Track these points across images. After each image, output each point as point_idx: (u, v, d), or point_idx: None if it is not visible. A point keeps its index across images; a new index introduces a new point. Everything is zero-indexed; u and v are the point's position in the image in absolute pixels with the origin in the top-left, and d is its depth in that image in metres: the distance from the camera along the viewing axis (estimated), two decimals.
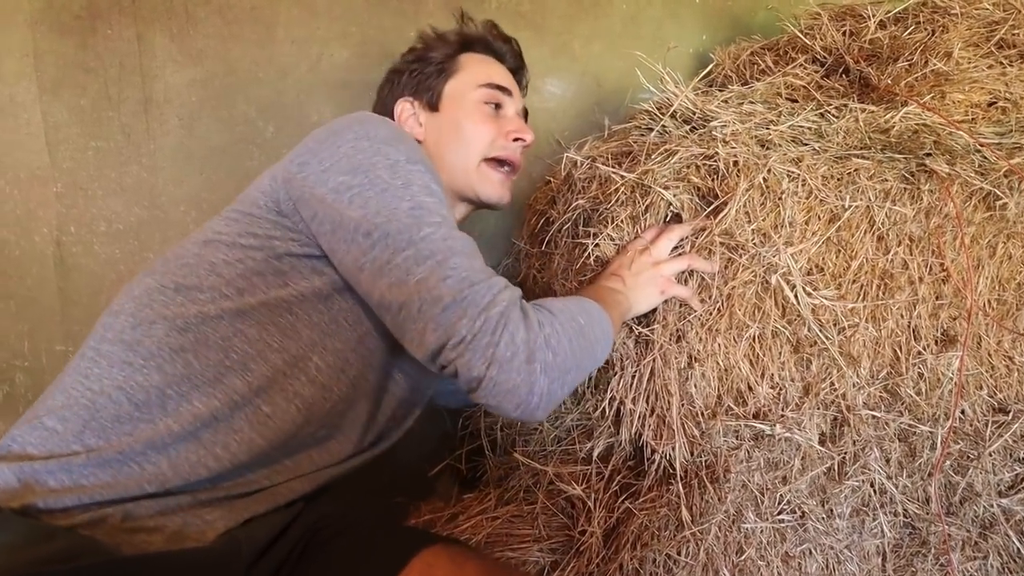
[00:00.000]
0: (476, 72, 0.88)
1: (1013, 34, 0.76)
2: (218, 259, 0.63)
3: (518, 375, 0.53)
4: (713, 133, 0.74)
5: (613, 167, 0.86)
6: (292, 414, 0.61)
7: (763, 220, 0.70)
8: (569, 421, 0.84)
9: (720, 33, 1.30)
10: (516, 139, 0.87)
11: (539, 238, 1.02)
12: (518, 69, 0.97)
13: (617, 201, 0.78)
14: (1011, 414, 0.87)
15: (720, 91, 1.10)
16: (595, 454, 0.79)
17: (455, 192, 0.86)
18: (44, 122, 1.13)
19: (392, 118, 0.86)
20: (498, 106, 0.89)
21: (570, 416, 0.84)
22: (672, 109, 0.86)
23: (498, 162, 0.86)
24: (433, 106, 0.87)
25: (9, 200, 1.14)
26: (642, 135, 0.89)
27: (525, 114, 0.96)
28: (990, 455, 0.86)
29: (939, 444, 0.82)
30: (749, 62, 1.08)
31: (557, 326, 0.57)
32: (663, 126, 0.86)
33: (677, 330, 0.71)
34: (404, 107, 0.87)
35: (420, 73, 0.88)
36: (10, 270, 1.15)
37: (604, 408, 0.73)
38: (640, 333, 0.73)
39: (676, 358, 0.69)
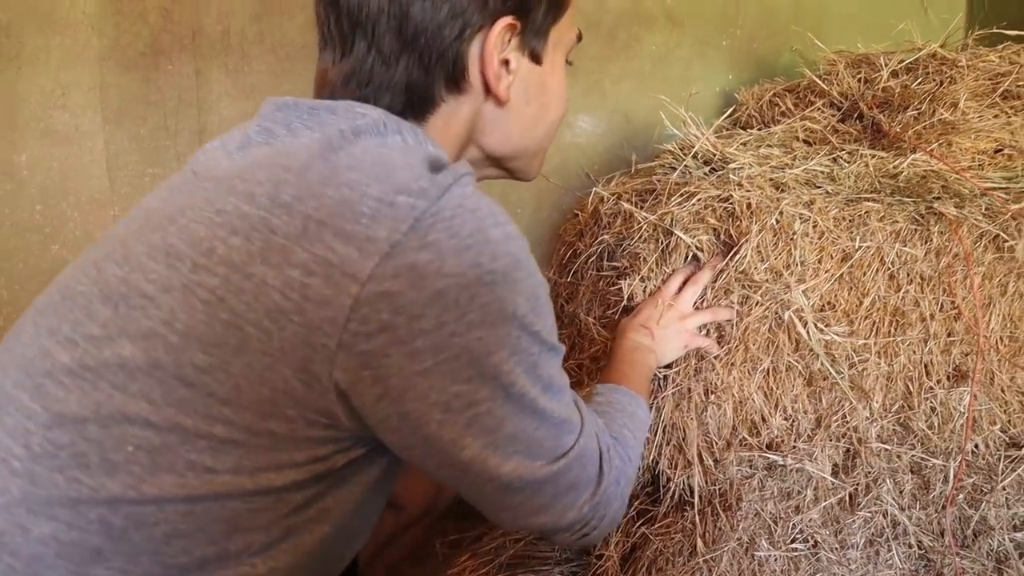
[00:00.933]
0: (573, 13, 0.61)
1: (1018, 86, 0.80)
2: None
3: (612, 525, 0.55)
4: (730, 176, 0.79)
5: (637, 204, 0.92)
6: None
7: (776, 259, 0.74)
8: None
9: (745, 73, 1.35)
10: None
11: (567, 268, 1.07)
12: None
13: (640, 238, 0.84)
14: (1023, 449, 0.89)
15: (743, 130, 1.15)
16: None
17: (498, 160, 0.62)
18: (106, 150, 1.22)
19: (457, 37, 0.51)
20: None
21: None
22: (694, 151, 0.91)
23: None
24: (537, 56, 0.57)
25: (70, 222, 1.23)
26: (666, 174, 0.94)
27: None
28: (1003, 489, 0.88)
29: (951, 478, 0.85)
30: (771, 103, 1.13)
31: (628, 466, 0.57)
32: (685, 166, 0.92)
33: (695, 364, 0.75)
34: (501, 37, 0.53)
35: None
36: None
37: None
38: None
39: (693, 390, 0.74)
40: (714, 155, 0.89)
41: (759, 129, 1.03)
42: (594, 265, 0.95)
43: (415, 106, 0.52)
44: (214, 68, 1.22)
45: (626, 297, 0.83)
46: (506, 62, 0.54)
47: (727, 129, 1.20)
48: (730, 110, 1.13)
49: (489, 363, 0.43)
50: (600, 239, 0.93)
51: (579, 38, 0.62)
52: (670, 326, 0.75)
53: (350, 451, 0.46)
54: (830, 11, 1.38)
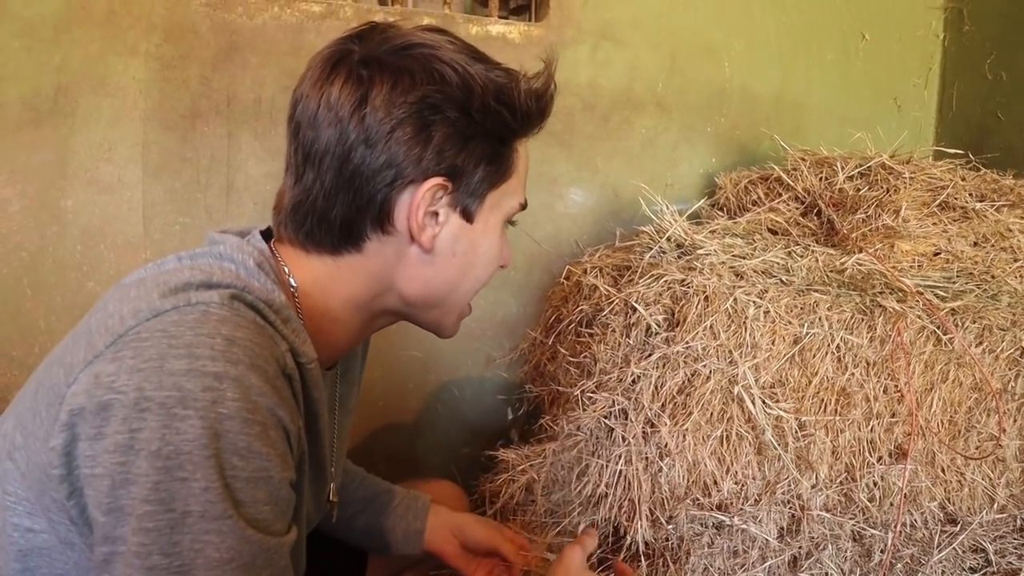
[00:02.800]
0: (521, 180, 0.64)
1: (954, 199, 0.91)
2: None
3: None
4: (693, 263, 0.90)
5: (615, 279, 1.02)
6: None
7: (728, 339, 0.84)
8: (558, 496, 0.97)
9: (728, 157, 1.47)
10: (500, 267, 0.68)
11: (552, 330, 1.17)
12: None
13: (611, 311, 0.94)
14: (959, 525, 0.96)
15: (721, 211, 1.26)
16: (580, 528, 0.92)
17: (415, 306, 0.64)
18: (143, 200, 1.35)
19: (387, 184, 0.56)
20: None
21: (561, 492, 0.97)
22: (667, 235, 1.02)
23: None
24: (468, 215, 0.60)
25: (105, 261, 1.35)
26: (642, 252, 1.05)
27: None
28: (939, 562, 0.95)
29: (888, 548, 0.92)
30: (745, 189, 1.25)
31: None
32: (660, 248, 1.02)
33: (643, 429, 0.84)
34: (432, 192, 0.57)
35: (484, 151, 0.58)
36: None
37: (583, 490, 0.86)
38: (613, 429, 0.87)
39: (645, 451, 0.82)
40: (685, 240, 1.00)
41: (732, 215, 1.14)
42: (573, 330, 1.05)
43: (346, 241, 0.58)
44: (244, 131, 1.35)
45: (595, 360, 0.93)
46: (435, 214, 0.58)
47: (707, 209, 1.32)
48: (709, 194, 1.25)
49: (122, 495, 0.42)
50: (580, 307, 1.03)
51: (523, 206, 0.65)
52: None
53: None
54: (809, 104, 1.50)
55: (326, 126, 0.55)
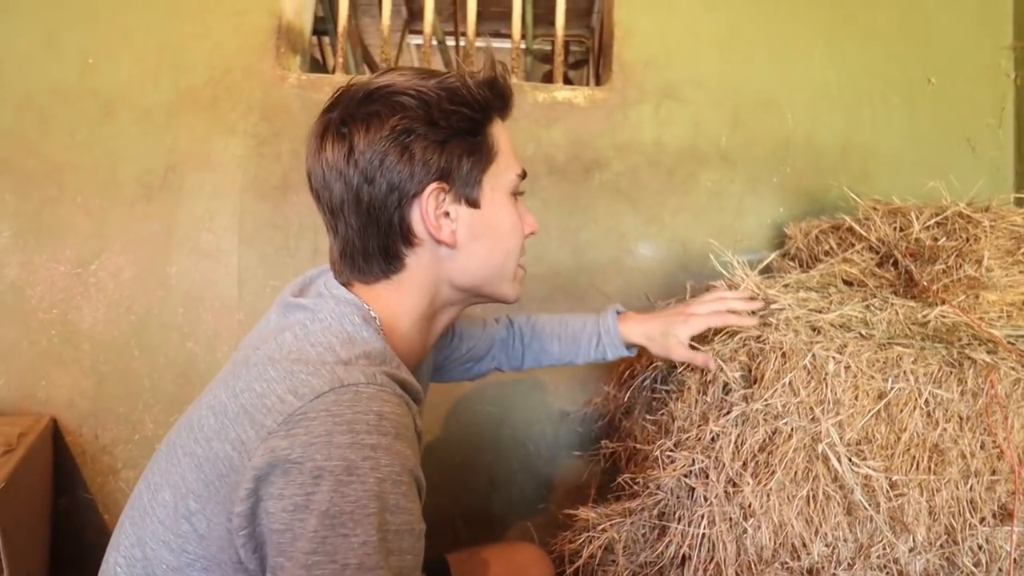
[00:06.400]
0: (510, 156, 0.72)
1: None
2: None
3: None
4: (767, 320, 0.90)
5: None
6: None
7: (808, 396, 0.83)
8: (643, 558, 0.96)
9: (796, 206, 1.47)
10: (531, 234, 0.77)
11: (626, 385, 1.18)
12: None
13: (687, 368, 0.94)
14: None
15: (792, 261, 1.26)
16: None
17: (471, 290, 0.73)
18: (238, 265, 1.46)
19: (397, 206, 0.65)
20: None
21: (643, 554, 0.96)
22: (740, 290, 1.02)
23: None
24: (474, 202, 0.68)
25: (203, 323, 1.45)
26: None
27: None
28: None
29: None
30: (816, 239, 1.24)
31: None
32: None
33: (726, 488, 0.84)
34: (434, 198, 0.65)
35: (461, 146, 0.66)
36: (195, 380, 1.44)
37: (666, 551, 0.85)
38: (694, 489, 0.87)
39: (728, 512, 0.82)
40: (758, 295, 1.00)
41: (804, 266, 1.14)
42: (648, 387, 1.06)
43: (390, 263, 0.68)
44: None
45: (672, 418, 0.93)
46: (447, 214, 0.67)
47: (779, 260, 1.31)
48: (779, 244, 1.24)
49: (295, 547, 0.51)
50: (655, 363, 1.04)
51: (523, 175, 0.74)
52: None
53: None
54: (877, 150, 1.49)
55: (334, 183, 0.65)
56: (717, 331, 0.95)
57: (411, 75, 0.67)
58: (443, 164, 0.65)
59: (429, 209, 0.65)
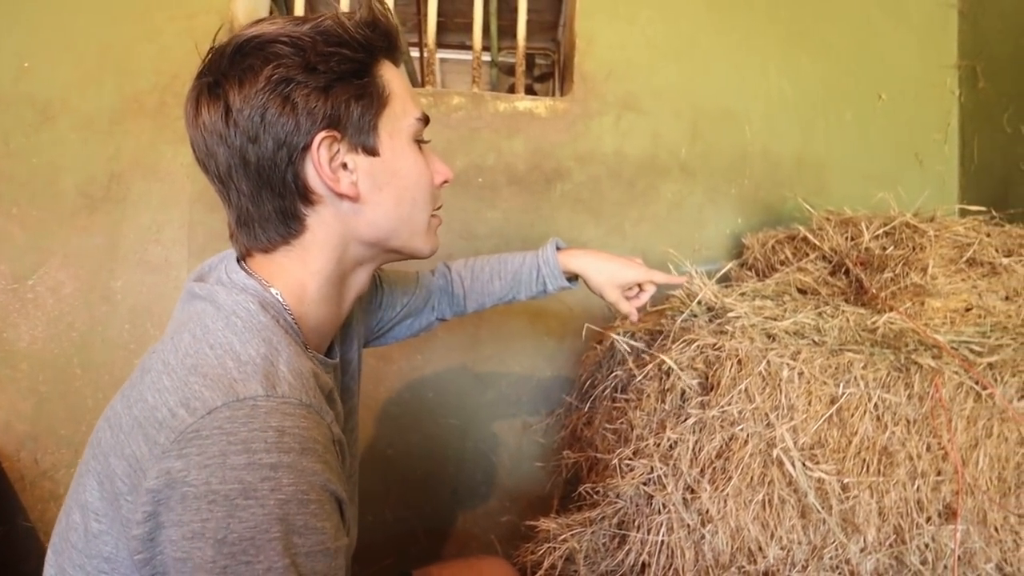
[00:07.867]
0: (407, 99, 0.67)
1: (981, 256, 0.92)
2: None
3: None
4: (723, 328, 0.91)
5: (648, 342, 1.04)
6: None
7: (763, 402, 0.85)
8: (604, 567, 0.96)
9: (754, 217, 1.50)
10: (443, 183, 0.73)
11: (588, 395, 1.18)
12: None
13: (646, 376, 0.95)
14: None
15: (750, 271, 1.28)
16: None
17: (381, 245, 0.68)
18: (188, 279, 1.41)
19: (288, 162, 0.60)
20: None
21: (604, 562, 0.96)
22: (698, 299, 1.04)
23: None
24: (371, 149, 0.64)
25: (151, 340, 1.40)
26: (674, 316, 1.07)
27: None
28: None
29: None
30: (773, 249, 1.27)
31: None
32: (691, 312, 1.04)
33: (683, 495, 0.84)
34: (326, 148, 0.61)
35: (347, 90, 0.61)
36: None
37: (626, 559, 0.85)
38: (652, 497, 0.87)
39: (687, 519, 0.82)
40: (715, 303, 1.01)
41: (761, 275, 1.16)
42: (609, 396, 1.06)
43: (290, 226, 0.62)
44: None
45: (631, 426, 0.93)
46: (344, 165, 0.62)
47: (737, 269, 1.34)
48: (737, 254, 1.27)
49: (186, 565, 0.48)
50: (614, 373, 1.05)
51: (424, 120, 0.68)
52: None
53: None
54: (830, 163, 1.53)
55: (216, 148, 0.59)
56: (675, 339, 0.96)
57: (283, 22, 0.61)
58: (330, 111, 0.60)
59: (323, 161, 0.60)
